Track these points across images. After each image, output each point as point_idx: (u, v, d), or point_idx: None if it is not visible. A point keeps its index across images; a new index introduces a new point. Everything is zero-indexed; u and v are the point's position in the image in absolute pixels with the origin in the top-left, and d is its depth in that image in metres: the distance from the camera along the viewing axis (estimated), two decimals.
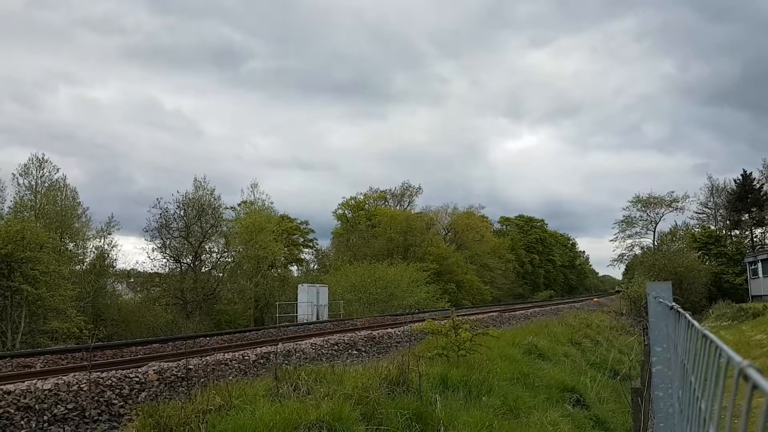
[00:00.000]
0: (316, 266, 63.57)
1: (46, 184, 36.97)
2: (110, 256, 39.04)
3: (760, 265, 45.99)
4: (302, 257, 67.06)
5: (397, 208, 69.28)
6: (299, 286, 37.10)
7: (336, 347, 15.53)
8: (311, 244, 68.67)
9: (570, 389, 11.67)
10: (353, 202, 69.51)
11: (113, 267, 39.66)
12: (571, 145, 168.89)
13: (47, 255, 27.90)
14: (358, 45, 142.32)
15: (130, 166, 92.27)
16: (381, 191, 71.21)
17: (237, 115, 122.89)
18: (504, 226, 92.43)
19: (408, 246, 57.08)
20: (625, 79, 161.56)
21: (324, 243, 69.25)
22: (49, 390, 8.99)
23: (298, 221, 65.88)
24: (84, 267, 37.34)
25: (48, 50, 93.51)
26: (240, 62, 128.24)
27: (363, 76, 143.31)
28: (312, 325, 25.87)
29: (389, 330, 19.31)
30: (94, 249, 38.64)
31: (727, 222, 63.33)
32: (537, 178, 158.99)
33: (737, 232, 62.62)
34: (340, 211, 69.26)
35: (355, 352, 15.78)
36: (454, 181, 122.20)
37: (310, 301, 34.93)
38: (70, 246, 37.13)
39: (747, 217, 61.49)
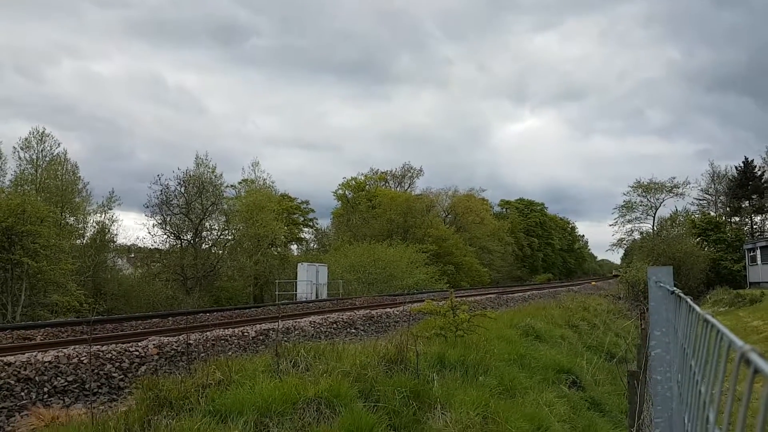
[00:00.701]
0: (315, 245, 63.72)
1: (47, 159, 36.94)
2: (111, 231, 39.18)
3: (758, 252, 46.10)
4: (302, 236, 67.25)
5: (398, 189, 69.23)
6: (299, 264, 37.24)
7: (335, 325, 15.63)
8: (311, 224, 68.82)
9: (566, 371, 11.75)
10: (354, 182, 69.44)
11: (114, 242, 39.83)
12: (573, 129, 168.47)
13: (48, 229, 27.97)
14: (363, 24, 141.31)
15: (132, 142, 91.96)
16: (382, 172, 71.17)
17: (240, 93, 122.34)
18: (504, 209, 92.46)
19: (408, 227, 57.14)
20: (630, 63, 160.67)
21: (324, 223, 69.39)
22: (50, 362, 9.07)
23: (299, 200, 65.96)
24: (84, 241, 37.45)
25: (51, 21, 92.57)
26: (244, 39, 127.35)
27: (367, 56, 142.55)
28: (311, 304, 26.01)
29: (388, 310, 19.42)
30: (94, 224, 38.75)
31: (728, 209, 63.35)
32: (539, 162, 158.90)
33: (737, 218, 62.69)
34: (340, 192, 69.28)
35: (353, 330, 15.89)
36: (455, 163, 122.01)
37: (310, 280, 35.09)
38: (71, 220, 37.20)
39: (747, 204, 61.52)
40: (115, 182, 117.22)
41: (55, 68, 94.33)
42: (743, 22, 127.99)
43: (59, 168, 37.13)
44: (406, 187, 70.80)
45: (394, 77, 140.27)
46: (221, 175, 42.98)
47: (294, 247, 63.44)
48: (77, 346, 10.16)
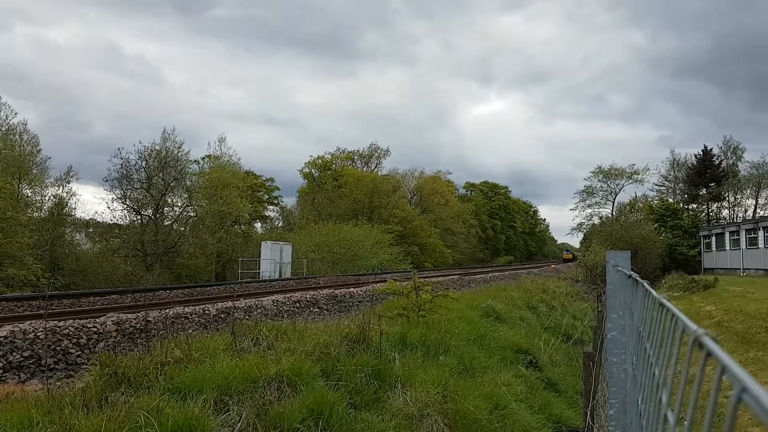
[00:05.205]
0: (280, 224, 63.28)
1: (4, 128, 35.69)
2: (69, 204, 38.15)
3: (713, 238, 47.49)
4: (267, 214, 66.68)
5: (365, 169, 69.09)
6: (263, 243, 36.95)
7: (298, 304, 15.60)
8: (276, 202, 68.26)
9: (524, 351, 12.01)
10: (320, 161, 69.01)
11: (72, 216, 38.79)
12: (538, 112, 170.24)
13: (4, 201, 27.13)
14: None
15: (89, 113, 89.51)
16: (349, 152, 70.87)
17: (200, 65, 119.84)
18: (469, 192, 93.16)
19: (373, 208, 57.16)
20: (595, 47, 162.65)
21: (289, 201, 68.89)
22: (5, 337, 8.86)
23: (263, 178, 65.23)
24: (42, 214, 36.43)
25: None
26: (205, 8, 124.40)
27: (332, 31, 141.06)
28: (274, 282, 25.90)
29: (351, 289, 19.45)
30: (52, 197, 37.69)
31: (685, 196, 64.89)
32: (504, 145, 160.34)
33: (694, 206, 64.28)
34: (306, 170, 68.80)
35: (316, 310, 15.89)
36: (422, 145, 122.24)
37: (274, 259, 34.89)
38: (28, 193, 36.14)
39: (704, 192, 63.09)
40: (72, 154, 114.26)
41: (8, 33, 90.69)
42: (710, 8, 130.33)
43: (16, 138, 35.93)
44: (373, 168, 70.75)
45: (360, 53, 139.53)
46: (188, 152, 42.04)
47: (258, 225, 62.88)
48: (34, 321, 9.94)
